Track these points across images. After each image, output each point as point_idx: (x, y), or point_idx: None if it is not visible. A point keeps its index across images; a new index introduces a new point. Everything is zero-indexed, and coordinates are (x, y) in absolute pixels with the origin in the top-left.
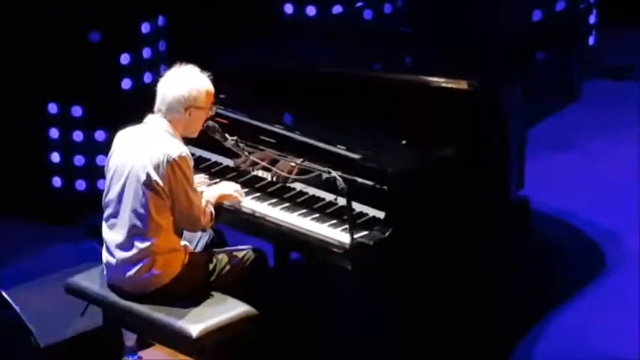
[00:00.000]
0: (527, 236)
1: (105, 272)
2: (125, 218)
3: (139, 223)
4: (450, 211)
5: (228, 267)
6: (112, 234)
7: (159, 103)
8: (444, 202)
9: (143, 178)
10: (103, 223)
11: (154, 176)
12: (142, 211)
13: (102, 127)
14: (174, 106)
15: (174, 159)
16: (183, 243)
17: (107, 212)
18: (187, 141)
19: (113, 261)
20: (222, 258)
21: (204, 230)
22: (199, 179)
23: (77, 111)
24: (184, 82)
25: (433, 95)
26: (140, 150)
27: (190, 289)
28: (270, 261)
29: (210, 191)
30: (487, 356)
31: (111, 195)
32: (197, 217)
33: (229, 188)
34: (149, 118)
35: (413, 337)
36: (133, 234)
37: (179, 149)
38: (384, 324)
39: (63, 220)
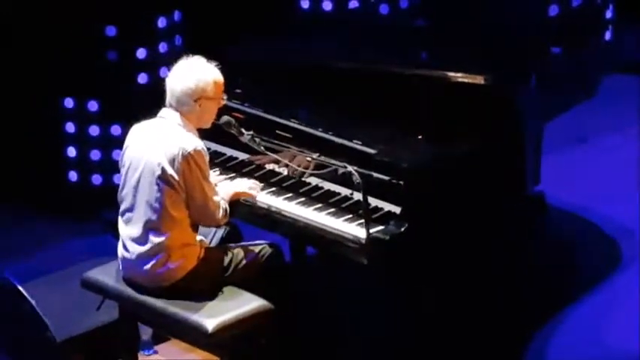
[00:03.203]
0: (543, 231)
1: (121, 267)
2: (140, 212)
3: (154, 217)
4: (466, 206)
5: (244, 262)
6: (128, 228)
7: (169, 97)
8: (460, 197)
9: (158, 172)
10: (119, 217)
11: (170, 170)
12: (157, 205)
13: (118, 121)
14: (183, 99)
15: (189, 153)
16: (198, 238)
17: (122, 207)
18: (203, 135)
19: (129, 255)
20: (238, 253)
21: (218, 226)
22: (213, 175)
23: (93, 105)
24: (191, 74)
25: (449, 90)
26: (154, 144)
27: (206, 283)
28: (287, 256)
29: (224, 188)
30: (502, 349)
31: (126, 189)
32: (212, 212)
33: (244, 185)
34: (163, 112)
35: (429, 330)
36: (148, 228)
37: (194, 143)
38: (400, 318)
39: (79, 214)
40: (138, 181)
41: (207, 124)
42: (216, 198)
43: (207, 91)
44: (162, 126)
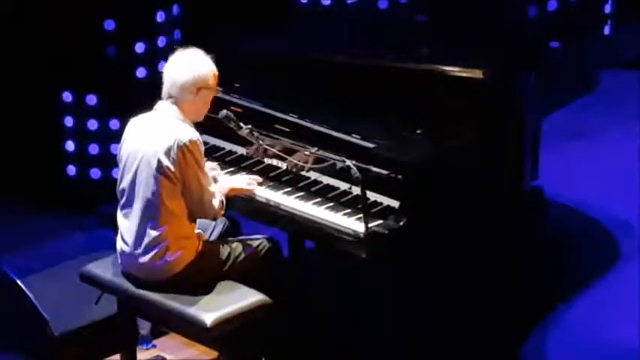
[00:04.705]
0: (541, 226)
1: (119, 261)
2: (138, 205)
3: (151, 210)
4: (465, 200)
5: (242, 256)
6: (126, 221)
7: (168, 88)
8: (459, 192)
9: (154, 164)
10: (118, 211)
11: (165, 162)
12: (154, 197)
13: (116, 115)
14: (185, 88)
15: (184, 143)
16: (197, 231)
17: (121, 201)
18: (202, 130)
19: (127, 249)
20: (236, 247)
21: (214, 218)
22: (211, 167)
23: (92, 99)
24: (193, 64)
25: (448, 84)
26: (151, 137)
27: (204, 277)
28: (285, 250)
29: (222, 182)
30: (501, 345)
31: (124, 183)
32: (208, 202)
33: (241, 182)
34: (159, 105)
35: (427, 325)
36: (146, 221)
37: (189, 134)
38: (399, 313)
39: (77, 208)
40: (135, 174)
41: (201, 117)
42: (211, 189)
43: (208, 81)
44: (158, 119)
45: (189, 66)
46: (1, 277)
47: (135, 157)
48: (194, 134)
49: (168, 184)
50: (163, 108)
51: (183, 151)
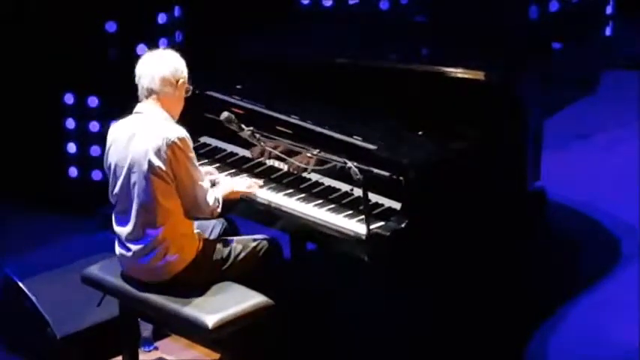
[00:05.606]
0: (543, 227)
1: (119, 264)
2: (134, 209)
3: (148, 212)
4: (467, 202)
5: (242, 254)
6: (123, 227)
7: (147, 84)
8: (461, 193)
9: (145, 166)
10: (113, 217)
11: (156, 162)
12: (149, 199)
13: (118, 117)
14: (166, 80)
15: (173, 141)
16: (196, 231)
17: (116, 207)
18: (203, 132)
19: (127, 253)
20: (236, 246)
21: (212, 215)
22: (207, 172)
23: (93, 101)
24: (168, 58)
25: (450, 86)
26: (138, 139)
27: (205, 276)
28: (287, 251)
29: (223, 183)
30: (502, 345)
31: (117, 189)
32: (203, 198)
33: (242, 184)
34: (139, 107)
35: (427, 326)
36: (144, 224)
37: (177, 131)
38: (400, 315)
39: (79, 210)
40: (127, 179)
41: (178, 113)
42: (204, 183)
43: (185, 74)
44: (142, 121)
45: (165, 60)
46: (3, 279)
47: (124, 162)
48: (181, 131)
49: (161, 183)
50: (146, 109)
51: (173, 148)
